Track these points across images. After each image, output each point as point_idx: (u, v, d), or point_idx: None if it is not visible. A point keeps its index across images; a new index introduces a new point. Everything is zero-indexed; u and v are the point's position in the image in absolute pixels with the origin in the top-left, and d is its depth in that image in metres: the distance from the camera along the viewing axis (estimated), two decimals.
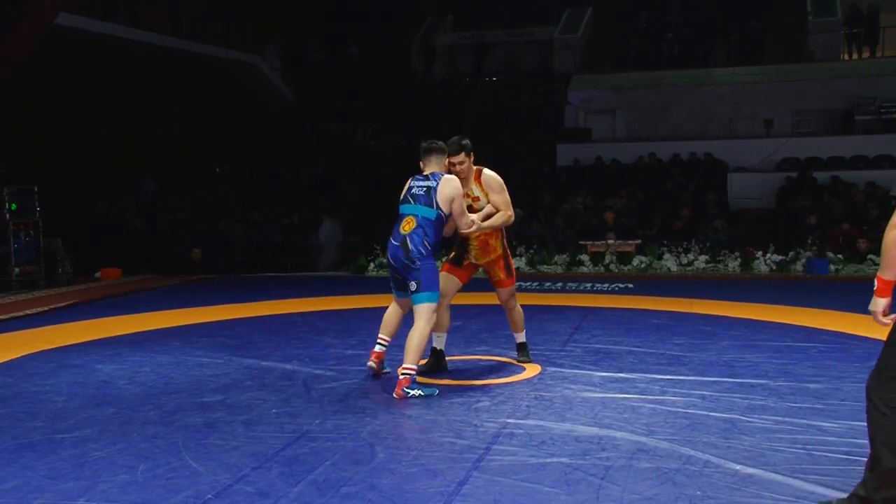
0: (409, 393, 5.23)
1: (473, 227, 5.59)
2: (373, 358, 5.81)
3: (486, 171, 5.83)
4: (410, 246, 5.34)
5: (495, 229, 5.83)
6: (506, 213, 5.78)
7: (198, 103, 19.24)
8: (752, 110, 18.64)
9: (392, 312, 5.78)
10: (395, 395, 5.27)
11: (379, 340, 5.81)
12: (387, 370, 5.89)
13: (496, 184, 5.78)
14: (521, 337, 6.31)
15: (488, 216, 5.75)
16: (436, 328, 5.79)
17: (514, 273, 6.14)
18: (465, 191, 5.74)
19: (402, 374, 5.29)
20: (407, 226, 5.41)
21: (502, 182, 5.82)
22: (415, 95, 21.86)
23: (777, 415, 4.76)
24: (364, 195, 16.57)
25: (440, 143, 5.64)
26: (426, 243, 5.34)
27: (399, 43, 24.67)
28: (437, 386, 5.63)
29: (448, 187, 5.41)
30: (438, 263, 5.68)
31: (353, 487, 3.76)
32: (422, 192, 5.43)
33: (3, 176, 12.08)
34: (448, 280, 5.88)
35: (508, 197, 5.82)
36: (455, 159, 5.64)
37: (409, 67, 24.12)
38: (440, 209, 5.39)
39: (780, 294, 9.87)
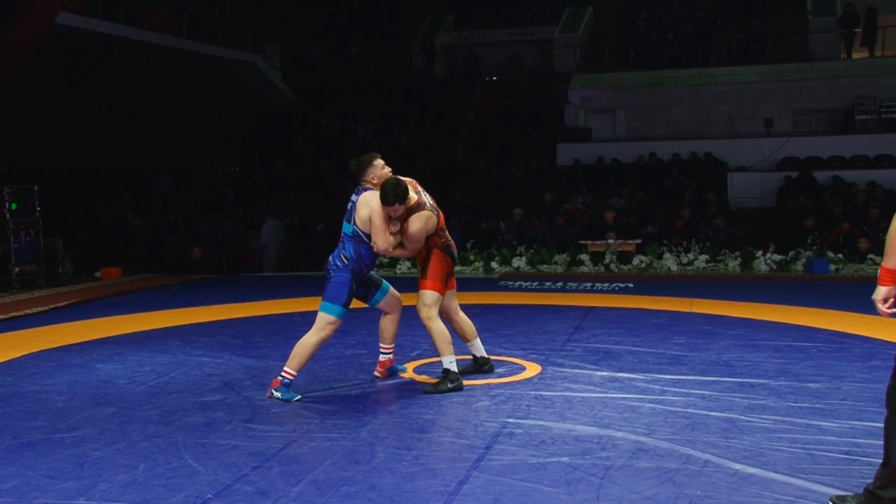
0: (273, 394, 5.32)
1: (383, 249, 5.26)
2: (378, 368, 5.87)
3: (415, 218, 5.33)
4: (330, 259, 5.40)
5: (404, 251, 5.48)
6: (405, 254, 5.46)
7: (199, 103, 19.25)
8: (753, 110, 18.66)
9: (382, 320, 5.76)
10: (266, 396, 5.37)
11: (381, 350, 5.84)
12: (403, 368, 6.02)
13: (414, 235, 5.35)
14: (445, 361, 5.46)
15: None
16: (465, 337, 5.76)
17: (435, 278, 5.45)
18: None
19: (280, 375, 5.33)
20: (339, 241, 5.47)
21: (423, 234, 5.37)
22: (415, 94, 21.86)
23: (777, 414, 4.77)
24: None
25: (364, 158, 5.40)
26: (342, 256, 5.34)
27: (399, 42, 24.68)
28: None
29: (364, 207, 5.26)
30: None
31: (353, 487, 3.76)
32: (349, 208, 5.39)
33: (3, 176, 12.09)
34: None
35: (417, 246, 5.40)
36: (391, 210, 5.21)
37: (409, 66, 24.13)
38: (356, 225, 5.31)
39: (780, 294, 9.87)
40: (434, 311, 5.43)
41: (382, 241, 5.25)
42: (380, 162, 5.40)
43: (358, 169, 5.39)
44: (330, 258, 5.40)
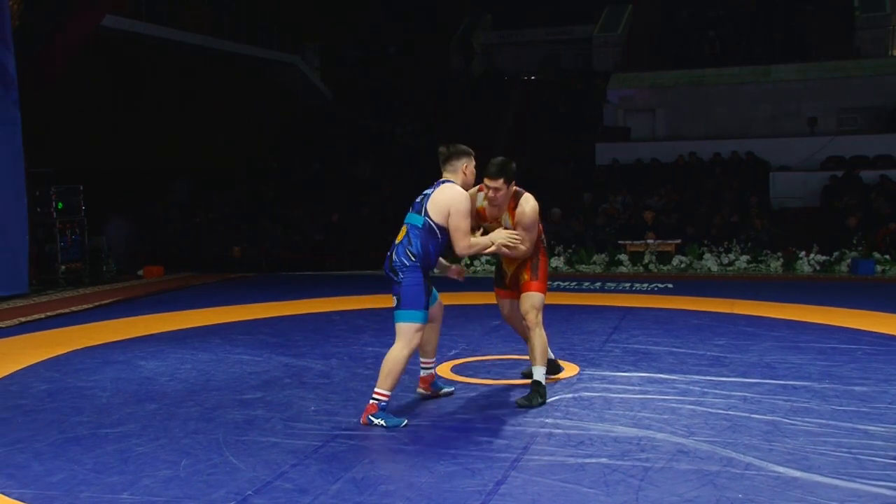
0: (372, 421, 4.69)
1: (463, 250, 4.84)
2: (421, 385, 5.37)
3: (525, 201, 5.03)
4: (394, 256, 4.85)
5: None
6: (524, 251, 5.06)
7: (239, 102, 19.46)
8: (796, 108, 18.34)
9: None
10: (361, 421, 4.76)
11: (422, 365, 5.35)
12: (450, 389, 5.45)
13: (531, 219, 5.02)
14: (537, 371, 5.14)
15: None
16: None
17: (545, 280, 5.23)
18: (497, 216, 5.10)
19: (372, 399, 4.75)
20: (399, 235, 4.91)
21: (537, 216, 5.05)
22: (453, 94, 21.87)
23: (821, 418, 4.68)
24: (402, 193, 16.63)
25: (461, 147, 5.00)
26: (409, 253, 4.80)
27: (437, 41, 24.70)
28: (476, 385, 5.63)
29: (443, 195, 4.81)
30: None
31: (392, 485, 3.77)
32: (418, 199, 4.94)
33: (50, 176, 12.35)
34: (506, 305, 5.44)
35: (535, 236, 5.09)
36: (493, 184, 4.92)
37: (447, 66, 24.14)
38: (429, 216, 4.80)
39: (824, 295, 9.69)
40: (541, 317, 5.14)
41: (464, 244, 4.78)
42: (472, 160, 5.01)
43: (450, 154, 4.96)
44: (394, 256, 4.86)
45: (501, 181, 4.90)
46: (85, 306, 9.82)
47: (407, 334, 4.78)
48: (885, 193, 14.34)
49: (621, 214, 14.60)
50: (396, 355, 4.76)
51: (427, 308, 4.86)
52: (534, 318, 5.08)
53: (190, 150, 17.99)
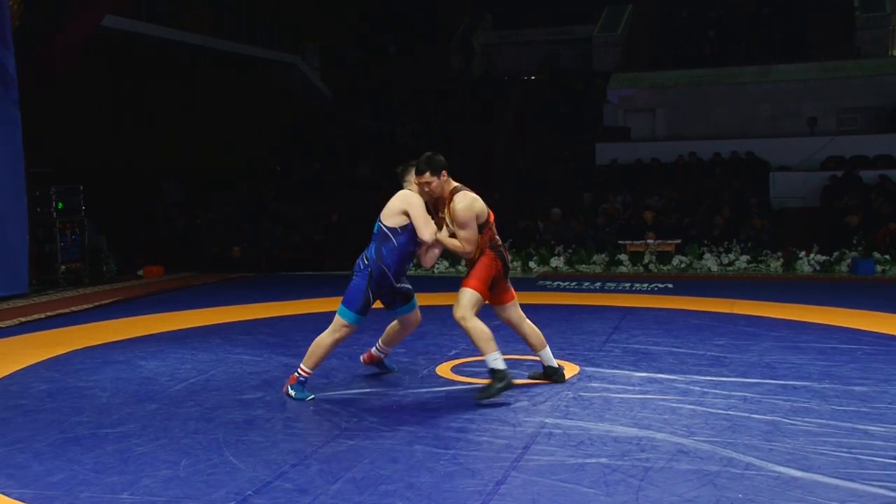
0: (289, 391, 5.35)
1: (429, 238, 5.08)
2: (365, 357, 6.05)
3: (459, 197, 5.11)
4: (357, 259, 5.36)
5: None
6: (463, 248, 5.15)
7: (239, 103, 19.46)
8: (796, 108, 18.35)
9: (393, 325, 5.82)
10: (283, 391, 5.43)
11: (377, 347, 5.97)
12: (394, 367, 6.07)
13: (461, 217, 5.08)
14: (489, 359, 5.11)
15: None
16: (534, 347, 5.54)
17: (482, 279, 5.16)
18: (441, 212, 5.27)
19: (296, 372, 5.39)
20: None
21: (471, 214, 5.09)
22: (453, 94, 21.87)
23: (821, 418, 4.68)
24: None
25: (411, 163, 5.31)
26: (365, 257, 5.28)
27: (437, 41, 24.71)
28: (476, 385, 5.63)
29: (396, 199, 5.20)
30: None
31: (392, 486, 3.77)
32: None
33: (50, 176, 12.35)
34: (500, 309, 5.46)
35: (471, 233, 5.10)
36: (422, 179, 5.10)
37: (447, 66, 24.14)
38: (381, 221, 5.22)
39: (824, 295, 9.69)
40: (469, 312, 5.09)
41: (427, 231, 5.07)
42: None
43: (402, 172, 5.35)
44: (357, 262, 5.36)
45: (427, 174, 5.09)
46: (85, 306, 9.82)
47: (335, 325, 5.31)
48: (885, 193, 14.33)
49: (621, 214, 14.60)
50: (323, 339, 5.31)
51: (362, 313, 5.27)
52: (458, 315, 5.11)
53: (190, 150, 17.99)
